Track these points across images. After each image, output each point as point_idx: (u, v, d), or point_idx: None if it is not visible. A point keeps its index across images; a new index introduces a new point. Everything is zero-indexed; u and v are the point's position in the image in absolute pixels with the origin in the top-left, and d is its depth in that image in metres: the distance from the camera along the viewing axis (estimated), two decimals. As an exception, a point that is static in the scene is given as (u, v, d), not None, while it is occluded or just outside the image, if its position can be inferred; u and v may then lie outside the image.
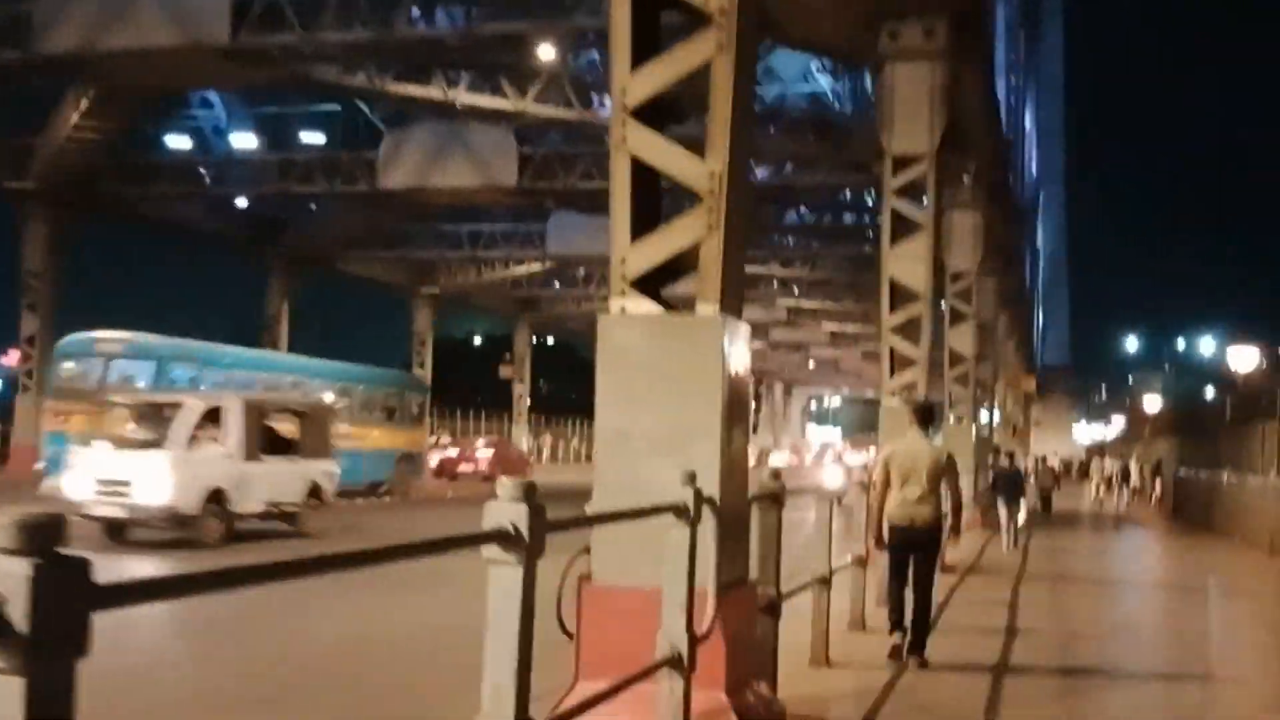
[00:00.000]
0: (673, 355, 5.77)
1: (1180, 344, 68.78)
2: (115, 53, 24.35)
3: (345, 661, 8.46)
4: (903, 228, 16.69)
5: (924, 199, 16.73)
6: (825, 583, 8.03)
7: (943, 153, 16.96)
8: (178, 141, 37.98)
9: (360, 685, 7.69)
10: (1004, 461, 22.40)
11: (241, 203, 39.60)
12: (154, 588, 2.04)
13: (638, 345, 5.83)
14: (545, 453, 55.23)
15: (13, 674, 1.69)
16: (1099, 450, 69.86)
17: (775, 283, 49.23)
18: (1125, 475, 36.97)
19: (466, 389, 59.51)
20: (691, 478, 4.87)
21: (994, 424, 36.53)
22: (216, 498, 15.51)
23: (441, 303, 49.37)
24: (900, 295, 16.67)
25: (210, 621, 9.35)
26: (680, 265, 6.06)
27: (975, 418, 26.50)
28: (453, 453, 38.88)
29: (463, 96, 27.06)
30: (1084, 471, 53.34)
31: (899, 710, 6.90)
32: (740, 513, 6.02)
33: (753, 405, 77.65)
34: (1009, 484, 19.70)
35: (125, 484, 14.93)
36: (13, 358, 32.78)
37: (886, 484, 8.31)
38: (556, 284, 51.70)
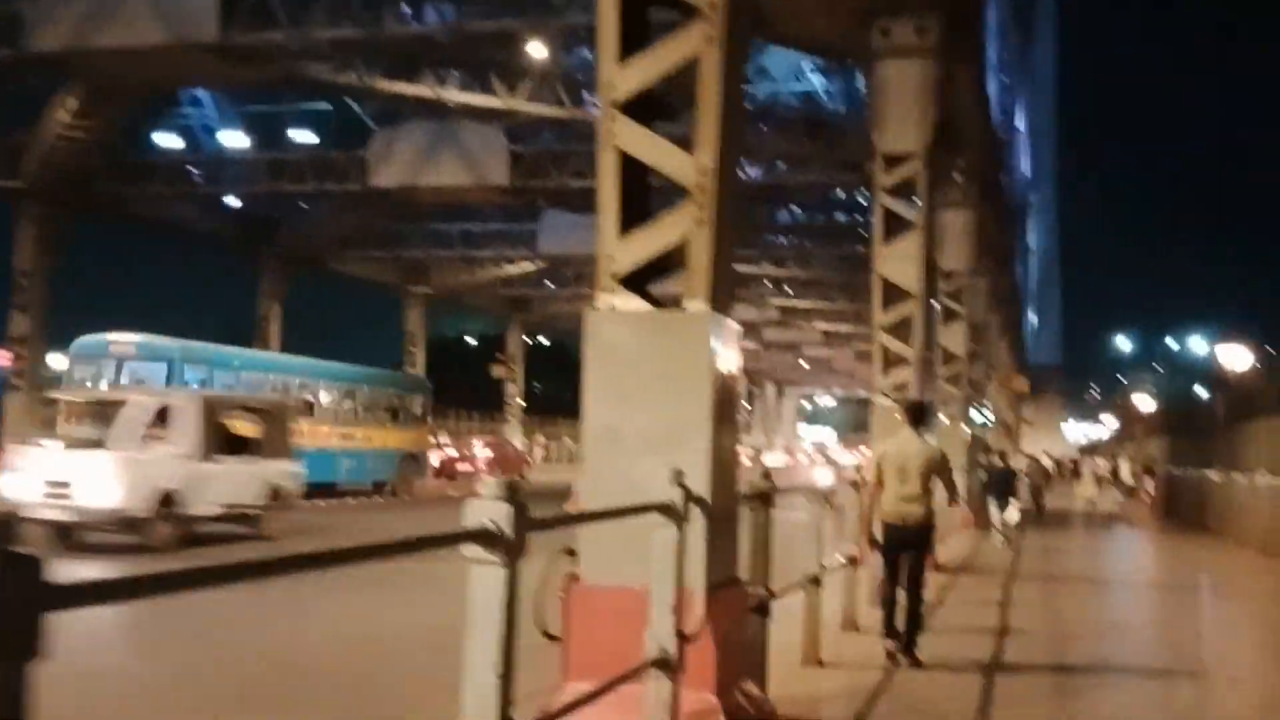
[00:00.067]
0: (661, 352, 5.71)
1: (1172, 344, 68.92)
2: (105, 51, 24.26)
3: (336, 662, 8.40)
4: (895, 226, 16.61)
5: (916, 197, 16.66)
6: (816, 582, 7.99)
7: (935, 151, 16.89)
8: (169, 141, 37.88)
9: (350, 686, 7.63)
10: (996, 460, 22.41)
11: (233, 202, 39.51)
12: (111, 589, 1.97)
13: (626, 342, 5.77)
14: (539, 452, 55.13)
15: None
16: (1091, 450, 70.02)
17: (767, 282, 49.20)
18: (1116, 474, 37.03)
19: (458, 389, 59.38)
20: (679, 476, 4.81)
21: (986, 423, 36.52)
22: (168, 500, 14.85)
23: (433, 302, 49.30)
24: (892, 294, 16.60)
25: (198, 624, 9.28)
26: (669, 262, 6.00)
27: (967, 417, 26.47)
28: (453, 452, 38.98)
29: (453, 94, 26.99)
30: (1075, 471, 53.41)
31: (891, 710, 6.86)
32: (730, 512, 5.96)
33: (745, 405, 77.87)
34: (1001, 483, 19.71)
35: (69, 485, 14.32)
36: (4, 357, 32.60)
37: (879, 483, 8.33)
38: (549, 283, 51.64)
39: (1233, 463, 22.18)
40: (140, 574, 1.94)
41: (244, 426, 17.37)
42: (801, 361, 79.60)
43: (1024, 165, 78.25)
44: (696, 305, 5.75)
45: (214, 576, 2.19)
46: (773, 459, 66.84)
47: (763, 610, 6.48)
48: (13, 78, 27.82)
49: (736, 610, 5.94)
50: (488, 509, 3.32)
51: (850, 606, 9.43)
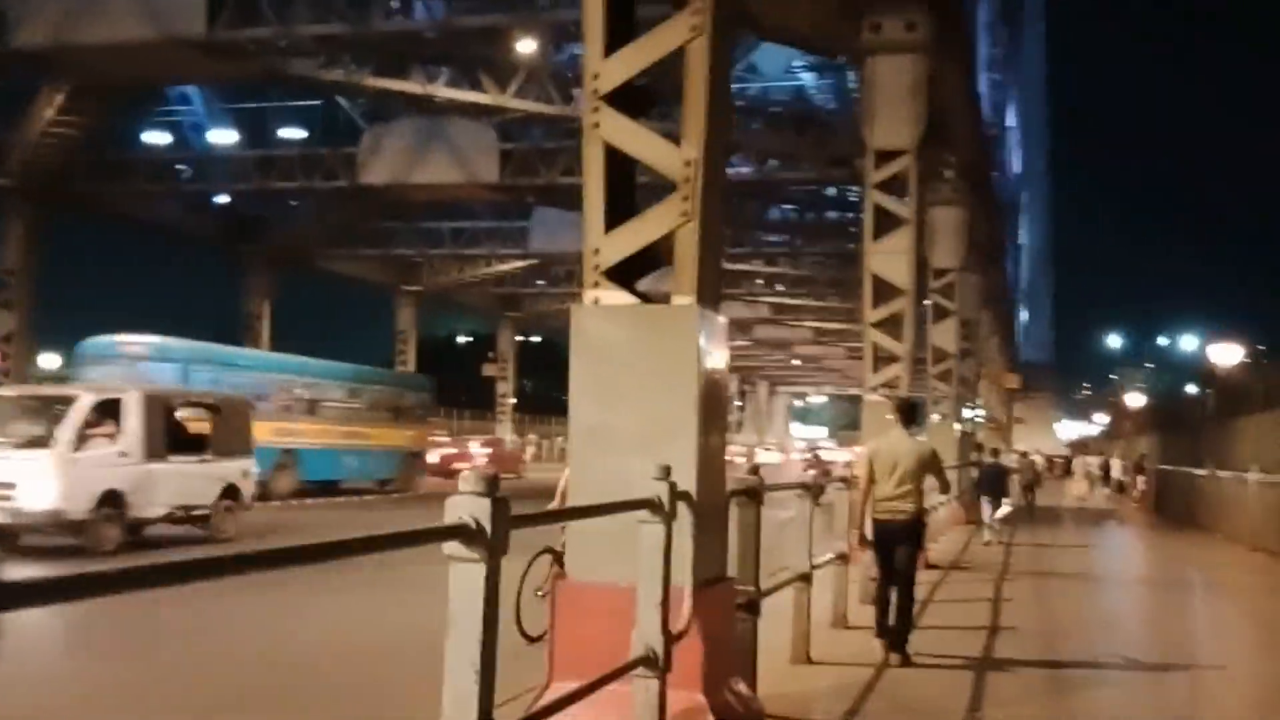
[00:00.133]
0: (648, 347, 5.65)
1: (1162, 341, 69.08)
2: (89, 46, 24.09)
3: (330, 664, 8.30)
4: (885, 222, 16.61)
5: (906, 194, 16.64)
6: (806, 579, 7.94)
7: (925, 147, 16.91)
8: (156, 138, 37.69)
9: (342, 687, 7.55)
10: (988, 457, 22.39)
11: (221, 200, 39.33)
12: (61, 587, 1.89)
13: (612, 337, 5.70)
14: (531, 450, 55.08)
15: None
16: (1082, 447, 70.14)
17: (759, 280, 49.15)
18: (1107, 471, 37.08)
19: (450, 388, 59.27)
20: (666, 471, 4.74)
21: (977, 421, 36.54)
22: (111, 500, 14.18)
23: (424, 300, 49.17)
24: (883, 291, 16.59)
25: (189, 625, 9.21)
26: (655, 256, 5.93)
27: (958, 415, 26.47)
28: (451, 451, 39.14)
29: (442, 91, 26.88)
30: (1066, 468, 53.50)
31: (881, 709, 6.80)
32: (718, 508, 5.90)
33: (734, 401, 77.83)
34: (993, 480, 19.67)
35: (9, 486, 13.64)
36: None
37: (870, 480, 8.33)
38: (540, 281, 51.53)
39: (1223, 459, 22.19)
40: (85, 573, 1.86)
41: (197, 423, 16.69)
42: (793, 359, 79.58)
43: (1015, 163, 78.35)
44: (683, 299, 5.68)
45: (130, 580, 2.10)
46: (766, 457, 66.82)
47: (752, 608, 6.42)
48: (-3, 73, 27.69)
49: (725, 608, 5.88)
50: (467, 505, 3.25)
51: (841, 604, 9.39)
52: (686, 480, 5.09)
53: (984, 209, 28.30)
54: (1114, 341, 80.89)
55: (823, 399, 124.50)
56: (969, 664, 8.10)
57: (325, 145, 34.75)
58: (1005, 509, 19.81)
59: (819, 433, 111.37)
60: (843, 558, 9.33)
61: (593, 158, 5.85)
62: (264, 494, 23.93)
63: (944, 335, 24.94)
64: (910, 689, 7.33)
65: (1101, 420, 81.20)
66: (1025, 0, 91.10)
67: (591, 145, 5.85)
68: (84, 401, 14.61)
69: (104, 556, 13.52)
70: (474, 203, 39.41)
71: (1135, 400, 54.81)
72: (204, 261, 65.35)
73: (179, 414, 16.41)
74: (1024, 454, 33.22)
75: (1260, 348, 39.39)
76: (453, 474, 35.78)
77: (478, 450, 39.53)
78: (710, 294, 5.82)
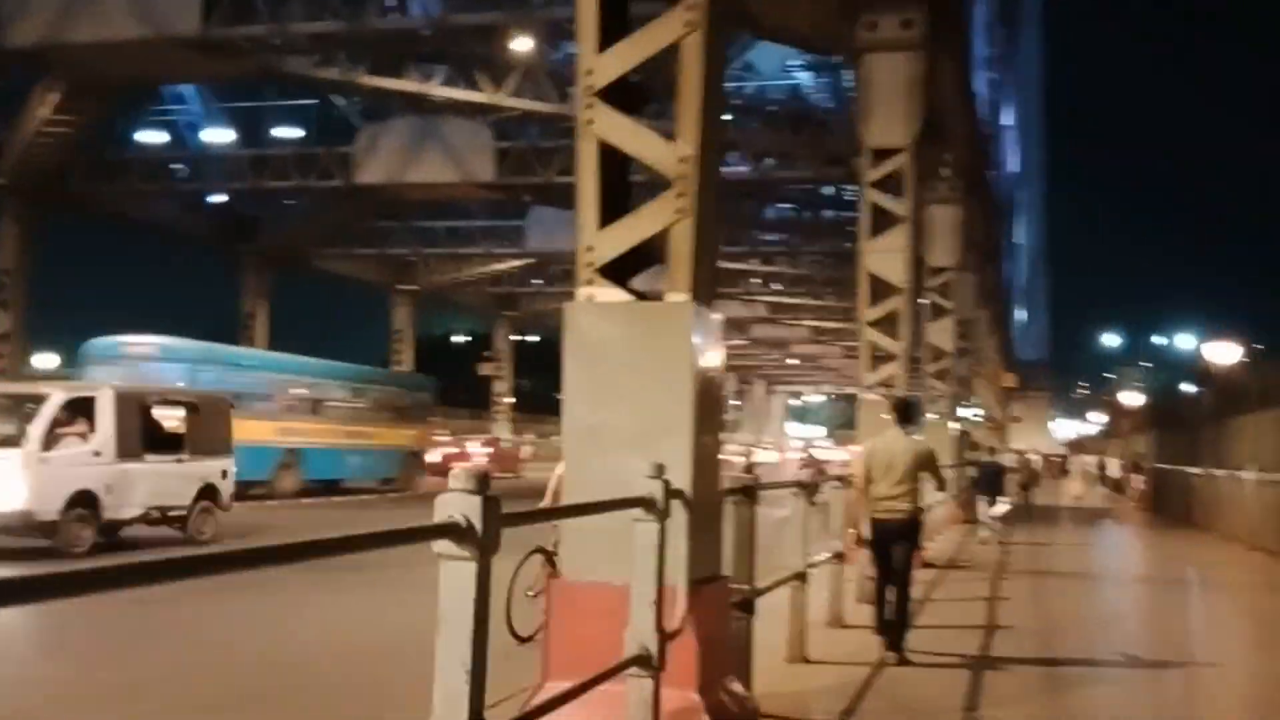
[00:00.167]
0: (642, 344, 5.62)
1: (1159, 340, 69.07)
2: (83, 45, 24.03)
3: (327, 664, 8.26)
4: (882, 221, 16.56)
5: (903, 192, 16.60)
6: (802, 578, 7.91)
7: (922, 146, 16.85)
8: (152, 137, 37.60)
9: (340, 687, 7.51)
10: (985, 456, 22.38)
11: (217, 199, 39.25)
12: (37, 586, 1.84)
13: (606, 334, 5.67)
14: (527, 450, 54.99)
15: None
16: (1079, 446, 70.18)
17: (756, 279, 49.13)
18: (1103, 470, 37.08)
19: (447, 387, 59.19)
20: (660, 470, 4.71)
21: (974, 420, 36.52)
22: (82, 501, 13.78)
23: (420, 300, 49.11)
24: (879, 289, 16.55)
25: (186, 625, 9.21)
26: (650, 253, 5.90)
27: (955, 414, 26.43)
28: (451, 450, 39.22)
29: (437, 89, 26.83)
30: (1063, 467, 53.50)
31: (877, 708, 6.77)
32: (713, 506, 5.87)
33: (729, 399, 77.62)
34: (990, 478, 19.64)
35: None
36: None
37: (867, 479, 8.33)
38: (536, 280, 51.48)
39: (1220, 458, 22.17)
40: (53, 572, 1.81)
41: (174, 422, 16.18)
42: (790, 359, 79.56)
43: (1012, 162, 78.42)
44: (678, 296, 5.65)
45: (125, 577, 2.06)
46: (763, 456, 66.78)
47: (747, 607, 6.39)
48: (-10, 73, 27.63)
49: (720, 607, 5.85)
50: (458, 502, 3.22)
51: (837, 603, 9.35)
52: (681, 478, 5.06)
53: (981, 208, 28.27)
54: (1111, 340, 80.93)
55: (820, 398, 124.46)
56: (966, 663, 8.07)
57: (320, 144, 34.71)
58: (1002, 507, 19.79)
59: (816, 432, 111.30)
60: (839, 556, 9.30)
61: (587, 154, 5.81)
62: (268, 493, 24.40)
63: (941, 334, 24.88)
64: (907, 688, 7.30)
65: (1098, 419, 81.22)
66: (1023, 0, 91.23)
67: (585, 141, 5.81)
68: (55, 400, 14.20)
69: (76, 558, 13.20)
70: (470, 202, 39.37)
71: (1132, 399, 54.83)
72: (200, 261, 65.24)
73: (155, 412, 15.92)
74: (1021, 453, 33.20)
75: (1257, 346, 39.41)
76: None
77: (477, 450, 39.63)
78: (705, 291, 5.78)
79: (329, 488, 27.17)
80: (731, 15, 6.62)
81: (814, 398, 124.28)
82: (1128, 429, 47.41)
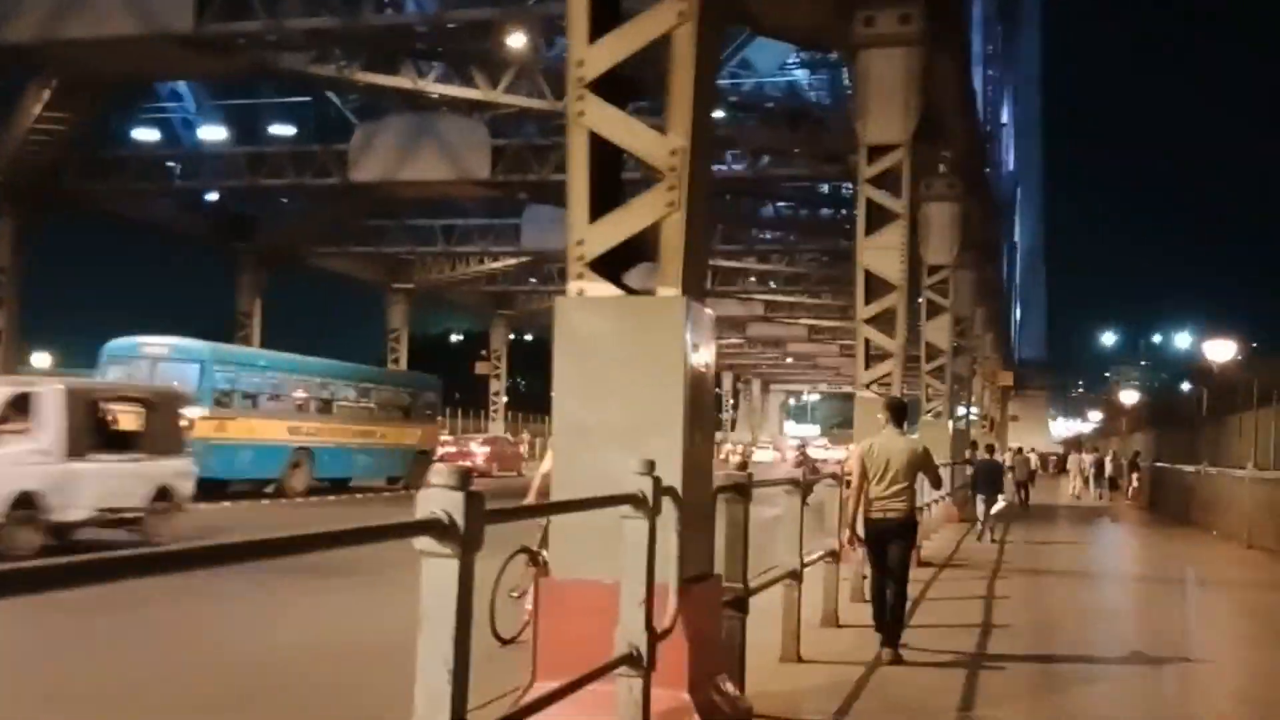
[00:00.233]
0: (633, 339, 5.56)
1: (1156, 339, 69.07)
2: (75, 42, 23.88)
3: (322, 665, 8.16)
4: (878, 217, 16.51)
5: (899, 188, 16.54)
6: (796, 577, 7.84)
7: (918, 142, 16.79)
8: (146, 135, 37.49)
9: (332, 689, 7.43)
10: (982, 454, 22.32)
11: (212, 197, 39.15)
12: None
13: (596, 329, 5.61)
14: (523, 449, 54.94)
15: None
16: (1076, 444, 70.15)
17: (752, 277, 49.07)
18: (1100, 469, 37.03)
19: (443, 386, 59.12)
20: (650, 466, 4.64)
21: (970, 418, 36.48)
22: (26, 502, 13.01)
23: (416, 298, 49.02)
24: (875, 286, 16.50)
25: (188, 624, 9.19)
26: (642, 248, 5.82)
27: (952, 412, 26.39)
28: (453, 449, 39.33)
29: (433, 86, 26.74)
30: (1061, 466, 53.46)
31: (872, 708, 6.71)
32: (704, 504, 5.80)
33: (725, 397, 77.45)
34: (988, 476, 19.57)
35: None
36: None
37: (863, 479, 8.33)
38: (532, 279, 51.38)
39: (1217, 456, 22.15)
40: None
41: (126, 419, 15.33)
42: (787, 357, 79.54)
43: (1010, 160, 78.41)
44: (669, 290, 5.58)
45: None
46: (761, 455, 66.79)
47: (739, 606, 6.32)
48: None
49: (711, 606, 5.78)
50: (439, 498, 3.15)
51: (832, 602, 9.29)
52: (672, 475, 5.00)
53: (979, 205, 28.21)
54: (1108, 339, 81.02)
55: (816, 397, 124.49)
56: (962, 661, 8.03)
57: (316, 142, 34.58)
58: (1000, 505, 19.74)
59: (813, 431, 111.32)
60: (833, 555, 9.24)
61: (577, 147, 5.75)
62: (279, 491, 24.78)
63: (938, 332, 24.83)
64: (902, 687, 7.24)
65: (1096, 417, 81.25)
66: (1022, 1, 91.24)
67: (576, 133, 5.75)
68: None
69: (20, 561, 12.91)
70: (465, 200, 39.23)
71: (1129, 397, 54.83)
72: (199, 261, 65.17)
73: (107, 409, 15.05)
74: (1019, 451, 33.15)
75: (1254, 345, 39.40)
76: (454, 472, 36.47)
77: (477, 449, 39.81)
78: (696, 286, 5.72)
79: (338, 486, 27.40)
80: (725, 7, 6.54)
81: (811, 396, 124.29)
82: (1125, 427, 47.39)
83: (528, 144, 31.22)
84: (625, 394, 5.51)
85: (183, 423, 16.62)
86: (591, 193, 5.73)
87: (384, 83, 26.66)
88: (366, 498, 26.14)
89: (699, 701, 5.28)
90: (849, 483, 8.77)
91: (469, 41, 25.29)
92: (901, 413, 8.88)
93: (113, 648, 8.44)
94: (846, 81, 29.71)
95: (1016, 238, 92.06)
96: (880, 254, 16.44)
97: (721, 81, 37.38)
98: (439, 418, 36.06)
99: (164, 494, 14.91)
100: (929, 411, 24.47)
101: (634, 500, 4.57)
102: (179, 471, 15.42)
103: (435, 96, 27.51)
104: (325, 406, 27.66)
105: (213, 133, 37.40)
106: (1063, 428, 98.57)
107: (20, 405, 13.57)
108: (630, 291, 5.77)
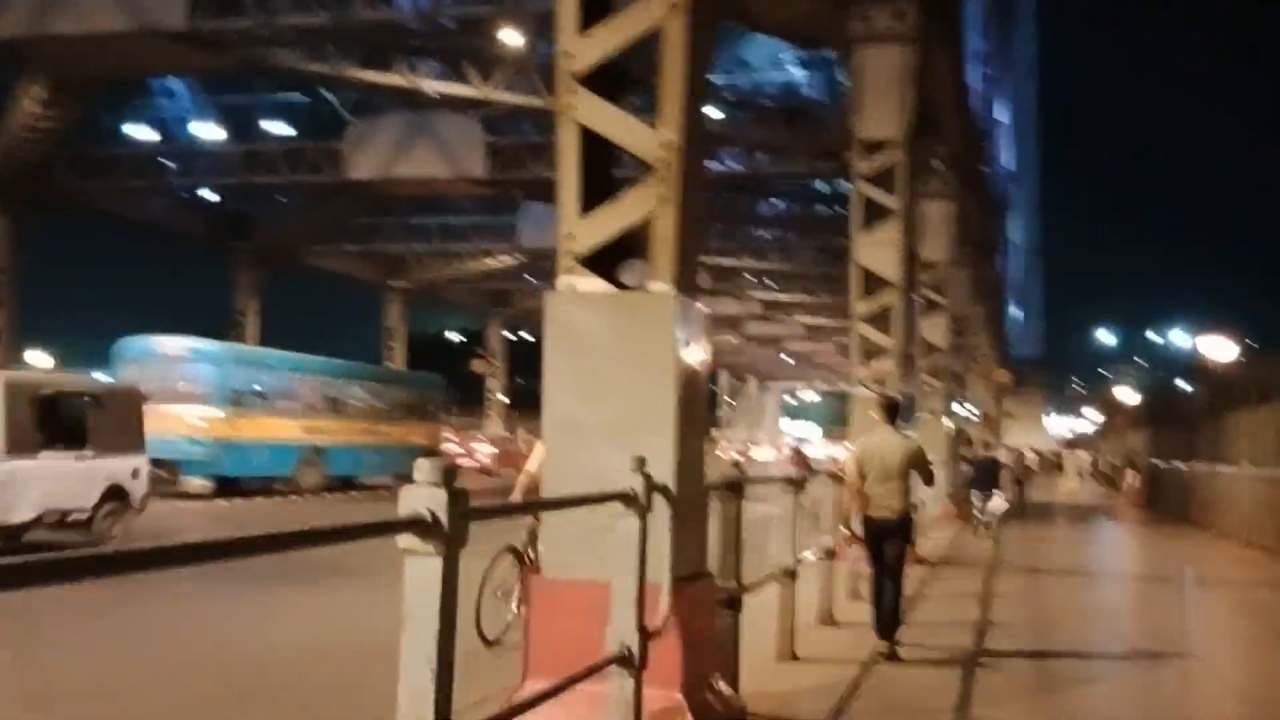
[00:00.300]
0: (624, 335, 5.50)
1: (1153, 337, 69.02)
2: (65, 38, 23.82)
3: (319, 665, 8.11)
4: (874, 214, 16.46)
5: (895, 185, 16.49)
6: (792, 575, 7.78)
7: (914, 138, 16.75)
8: (140, 133, 37.34)
9: (331, 687, 7.37)
10: (980, 450, 22.27)
11: (208, 196, 39.05)
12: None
13: (587, 325, 5.54)
14: (522, 446, 54.89)
15: None
16: (1073, 443, 70.20)
17: (748, 275, 48.99)
18: (1098, 467, 37.02)
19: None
20: (641, 463, 4.57)
21: (967, 417, 36.45)
22: None
23: (413, 297, 48.93)
24: (871, 283, 16.46)
25: (185, 623, 9.16)
26: (633, 243, 5.76)
27: (949, 410, 26.33)
28: (456, 448, 39.42)
29: (427, 83, 26.67)
30: (1058, 464, 53.43)
31: (868, 707, 6.65)
32: (697, 501, 5.74)
33: (722, 396, 77.11)
34: (986, 473, 19.51)
35: None
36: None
37: (860, 477, 8.33)
38: (529, 277, 51.27)
39: (1215, 454, 22.10)
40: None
41: (74, 416, 14.37)
42: (784, 356, 79.47)
43: (1006, 158, 78.41)
44: (660, 286, 5.52)
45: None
46: (761, 454, 66.75)
47: (733, 605, 6.25)
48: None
49: (705, 604, 5.73)
50: (423, 495, 3.09)
51: (828, 601, 9.23)
52: (664, 472, 4.94)
53: (975, 203, 28.16)
54: (1105, 337, 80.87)
55: (814, 395, 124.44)
56: (959, 660, 7.98)
57: (310, 140, 34.48)
58: (998, 503, 19.69)
59: (810, 429, 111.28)
60: (829, 553, 9.19)
61: (567, 140, 5.69)
62: (291, 488, 25.16)
63: (934, 330, 24.77)
64: (898, 686, 7.19)
65: (1094, 416, 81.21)
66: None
67: (565, 128, 5.68)
68: None
69: None
70: (461, 198, 39.17)
71: (1127, 396, 54.76)
72: (196, 260, 65.07)
73: (55, 405, 14.05)
74: (1016, 450, 33.14)
75: (1252, 343, 39.34)
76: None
77: (480, 447, 40.17)
78: (689, 281, 5.65)
79: (347, 483, 27.65)
80: (718, 0, 6.46)
81: (808, 395, 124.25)
82: (1123, 426, 47.36)
83: (523, 141, 31.15)
84: (617, 390, 5.45)
85: (140, 418, 15.70)
86: (582, 187, 5.67)
87: (378, 80, 26.61)
88: (378, 494, 26.20)
89: (692, 701, 5.22)
90: (845, 481, 8.74)
91: (463, 38, 25.24)
92: (896, 411, 8.85)
93: (113, 647, 8.39)
94: (841, 78, 29.68)
95: (1014, 236, 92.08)
96: (876, 250, 16.40)
97: (717, 79, 37.36)
98: (443, 417, 36.39)
99: (117, 494, 14.15)
100: (926, 410, 24.42)
101: (625, 498, 4.51)
102: (132, 470, 14.60)
103: (430, 94, 27.44)
104: (335, 406, 28.06)
105: (207, 130, 37.26)
106: (1060, 425, 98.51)
107: None
108: (621, 287, 5.70)
